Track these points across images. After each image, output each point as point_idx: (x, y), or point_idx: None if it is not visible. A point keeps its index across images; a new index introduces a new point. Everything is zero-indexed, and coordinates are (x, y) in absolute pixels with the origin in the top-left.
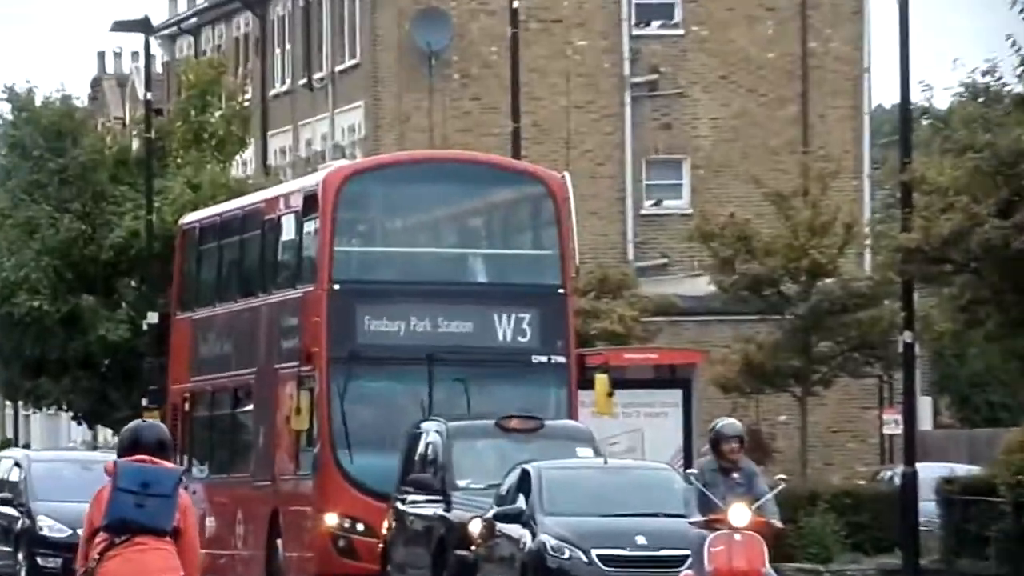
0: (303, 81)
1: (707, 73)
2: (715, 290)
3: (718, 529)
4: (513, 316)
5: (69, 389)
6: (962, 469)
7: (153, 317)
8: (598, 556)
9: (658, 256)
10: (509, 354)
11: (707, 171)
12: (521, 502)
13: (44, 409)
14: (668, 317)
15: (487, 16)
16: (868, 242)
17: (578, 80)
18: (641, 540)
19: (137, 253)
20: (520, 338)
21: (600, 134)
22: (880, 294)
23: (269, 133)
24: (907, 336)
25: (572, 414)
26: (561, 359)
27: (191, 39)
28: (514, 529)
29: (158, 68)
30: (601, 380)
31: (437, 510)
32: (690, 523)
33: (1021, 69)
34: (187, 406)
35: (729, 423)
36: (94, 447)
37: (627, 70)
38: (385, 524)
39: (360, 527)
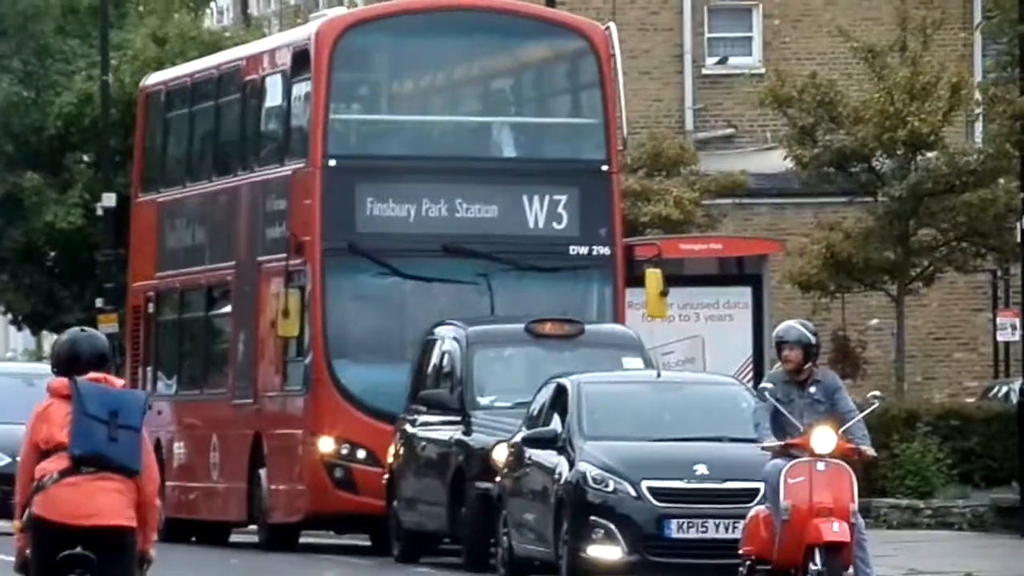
0: None
1: None
2: (792, 166)
3: (796, 456)
4: (547, 198)
5: (8, 287)
6: None
7: (110, 200)
8: (649, 489)
9: (723, 125)
10: (542, 244)
11: (783, 21)
12: (556, 424)
13: None
14: (735, 199)
15: None
16: (979, 107)
17: None
18: (701, 470)
19: (90, 122)
20: (555, 225)
21: None
22: (994, 170)
23: None
24: None
25: (618, 317)
26: (605, 250)
27: None
28: (547, 456)
29: None
30: (653, 276)
31: (454, 433)
32: (762, 448)
33: None
34: (151, 308)
35: (788, 326)
36: (39, 358)
37: None
38: (391, 450)
39: (361, 454)
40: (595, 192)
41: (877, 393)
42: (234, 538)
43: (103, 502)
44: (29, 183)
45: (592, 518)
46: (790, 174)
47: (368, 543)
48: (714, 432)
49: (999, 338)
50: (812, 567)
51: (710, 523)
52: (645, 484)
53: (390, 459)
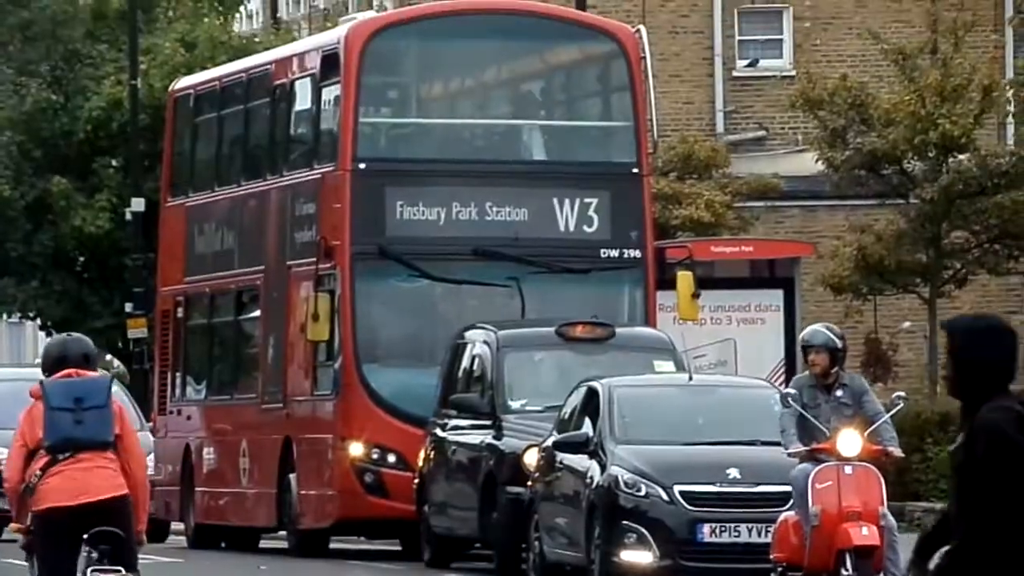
0: None
1: None
2: (823, 169)
3: (823, 460)
4: (578, 201)
5: (37, 293)
6: None
7: (139, 204)
8: (681, 493)
9: (754, 128)
10: (573, 247)
11: (814, 23)
12: (587, 427)
13: (6, 317)
14: (766, 202)
15: None
16: (1011, 108)
17: None
18: (734, 473)
19: (119, 127)
20: (586, 228)
21: None
22: None
23: None
24: None
25: (649, 320)
26: (636, 253)
27: None
28: (579, 460)
29: None
30: (685, 279)
31: (485, 438)
32: (789, 454)
33: None
34: (180, 312)
35: (814, 330)
36: None
37: None
38: (422, 455)
39: (391, 458)
40: (626, 195)
41: (902, 394)
42: (264, 544)
43: (88, 480)
44: (58, 188)
45: (624, 522)
46: (821, 176)
47: (399, 548)
48: (746, 436)
49: None
50: (843, 572)
51: (743, 527)
52: (677, 488)
53: (420, 463)
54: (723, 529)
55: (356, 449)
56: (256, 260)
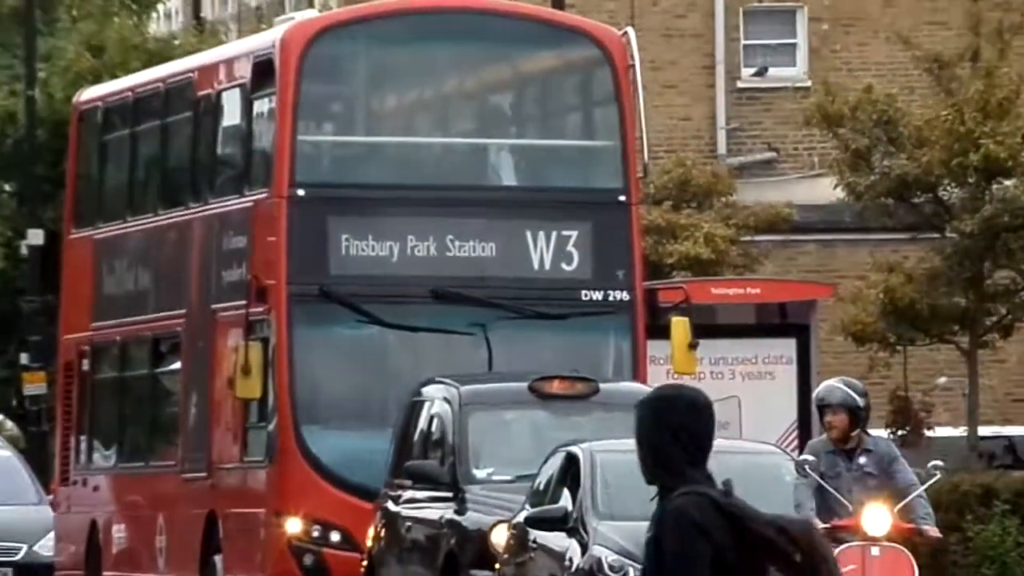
0: None
1: None
2: (844, 196)
3: (845, 540)
4: (554, 234)
5: None
6: None
7: (37, 237)
8: None
9: (762, 148)
10: (549, 288)
11: (832, 25)
12: (566, 500)
13: None
14: (777, 236)
15: None
16: None
17: None
18: None
19: (14, 145)
20: (564, 265)
21: None
22: None
23: None
24: None
25: (638, 374)
26: (623, 295)
27: None
28: (556, 539)
29: None
30: (680, 325)
31: (445, 512)
32: None
33: None
34: (86, 365)
35: (830, 386)
36: None
37: None
38: (371, 532)
39: (335, 536)
40: (611, 227)
41: (939, 463)
42: None
43: None
44: None
45: None
46: (841, 206)
47: None
48: None
49: None
50: None
51: None
52: None
53: (369, 543)
54: None
55: (294, 526)
56: (176, 303)
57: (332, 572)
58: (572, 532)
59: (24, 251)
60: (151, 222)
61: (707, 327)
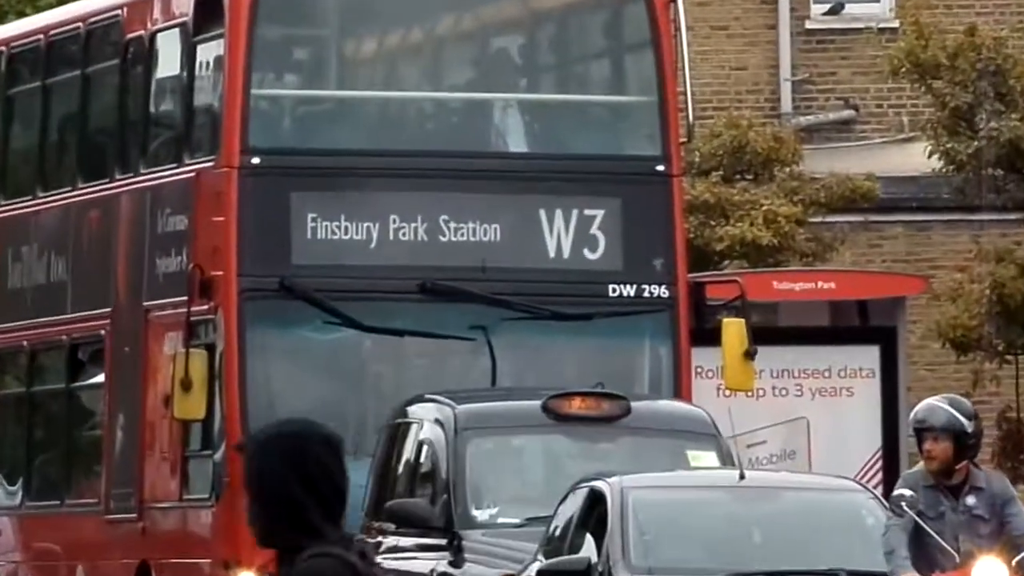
0: None
1: None
2: (941, 167)
3: None
4: (575, 214)
5: None
6: None
7: None
8: None
9: (838, 106)
10: (568, 282)
11: None
12: (589, 548)
13: None
14: (856, 216)
15: None
16: None
17: None
18: None
19: None
20: (587, 253)
21: None
22: None
23: None
24: None
25: (681, 389)
26: (661, 290)
27: None
28: None
29: None
30: (734, 328)
31: (438, 564)
32: None
33: None
34: None
35: (930, 406)
36: None
37: None
38: None
39: None
40: (646, 205)
41: None
42: None
43: None
44: None
45: None
46: (938, 178)
47: None
48: (825, 562)
49: None
50: None
51: None
52: None
53: None
54: None
55: None
56: (98, 300)
57: None
58: None
59: None
60: (67, 198)
61: (768, 331)
